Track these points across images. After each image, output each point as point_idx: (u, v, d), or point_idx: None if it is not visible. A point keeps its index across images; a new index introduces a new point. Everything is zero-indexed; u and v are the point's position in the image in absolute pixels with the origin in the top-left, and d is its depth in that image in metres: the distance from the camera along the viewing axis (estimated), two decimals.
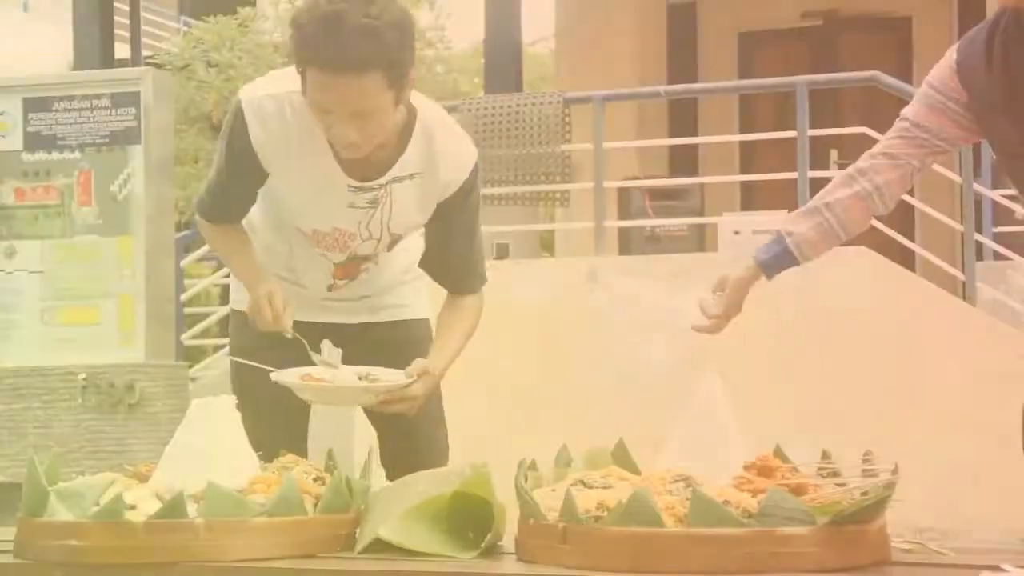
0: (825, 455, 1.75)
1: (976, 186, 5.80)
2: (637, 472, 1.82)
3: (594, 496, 1.66)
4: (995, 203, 6.21)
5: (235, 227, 2.55)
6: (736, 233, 6.00)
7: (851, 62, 8.46)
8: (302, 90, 2.26)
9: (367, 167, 2.37)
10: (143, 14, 11.14)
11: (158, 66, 9.52)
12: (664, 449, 1.80)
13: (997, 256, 6.09)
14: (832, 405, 5.28)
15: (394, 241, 2.51)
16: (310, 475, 1.91)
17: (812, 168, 5.83)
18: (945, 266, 5.70)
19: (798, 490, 1.58)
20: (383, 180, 2.39)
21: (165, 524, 1.71)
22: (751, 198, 8.96)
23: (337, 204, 2.41)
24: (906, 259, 6.26)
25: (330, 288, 2.60)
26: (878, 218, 6.16)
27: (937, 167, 5.88)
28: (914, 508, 1.66)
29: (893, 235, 5.70)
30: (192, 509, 1.73)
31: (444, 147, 2.41)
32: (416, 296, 2.73)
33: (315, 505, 1.81)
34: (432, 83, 11.47)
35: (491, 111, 6.33)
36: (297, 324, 2.41)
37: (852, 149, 8.17)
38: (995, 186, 6.44)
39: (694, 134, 8.83)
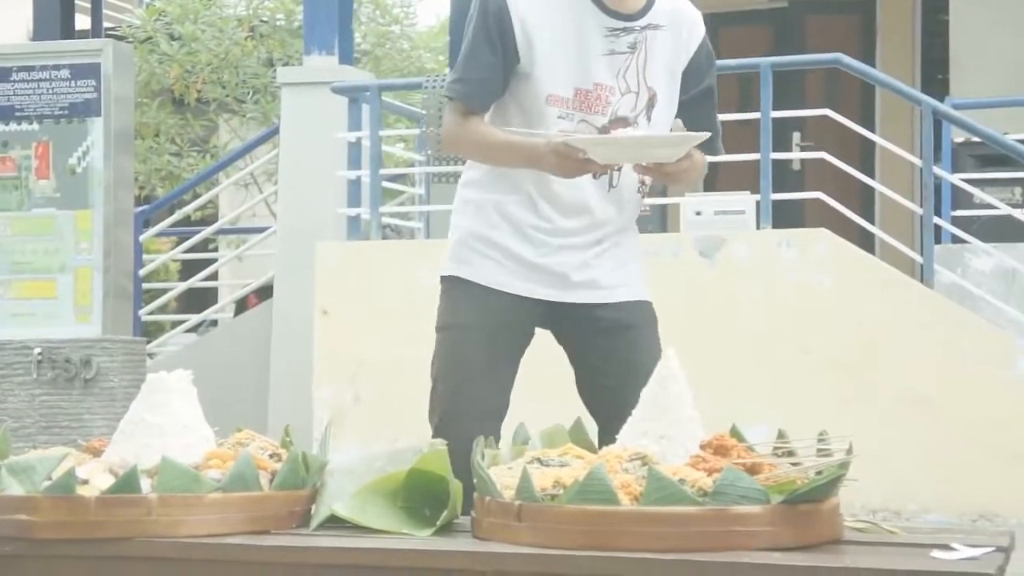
0: (781, 435, 1.75)
1: (936, 169, 5.84)
2: (594, 450, 1.82)
3: (550, 474, 1.66)
4: (954, 187, 6.26)
5: (485, 123, 2.51)
6: (698, 214, 6.01)
7: (815, 44, 8.49)
8: None
9: (623, 6, 2.46)
10: None
11: (119, 38, 9.42)
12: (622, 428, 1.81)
13: (955, 239, 6.14)
14: (791, 385, 5.32)
15: (651, 101, 2.51)
16: (266, 451, 1.90)
17: (775, 150, 5.84)
18: (904, 249, 5.73)
19: (753, 469, 1.59)
20: (641, 23, 2.48)
21: (118, 499, 1.69)
22: (714, 179, 8.96)
23: (597, 52, 2.46)
24: (866, 241, 6.30)
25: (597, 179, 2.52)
26: (838, 200, 6.19)
27: (898, 150, 5.94)
28: (869, 489, 1.68)
29: (853, 217, 5.73)
30: (146, 484, 1.72)
31: (681, 7, 2.56)
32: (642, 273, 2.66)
33: (271, 481, 1.80)
34: (397, 60, 11.39)
35: None
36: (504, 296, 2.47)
37: (815, 131, 8.25)
38: (955, 170, 6.49)
39: None
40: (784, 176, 7.24)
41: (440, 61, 11.60)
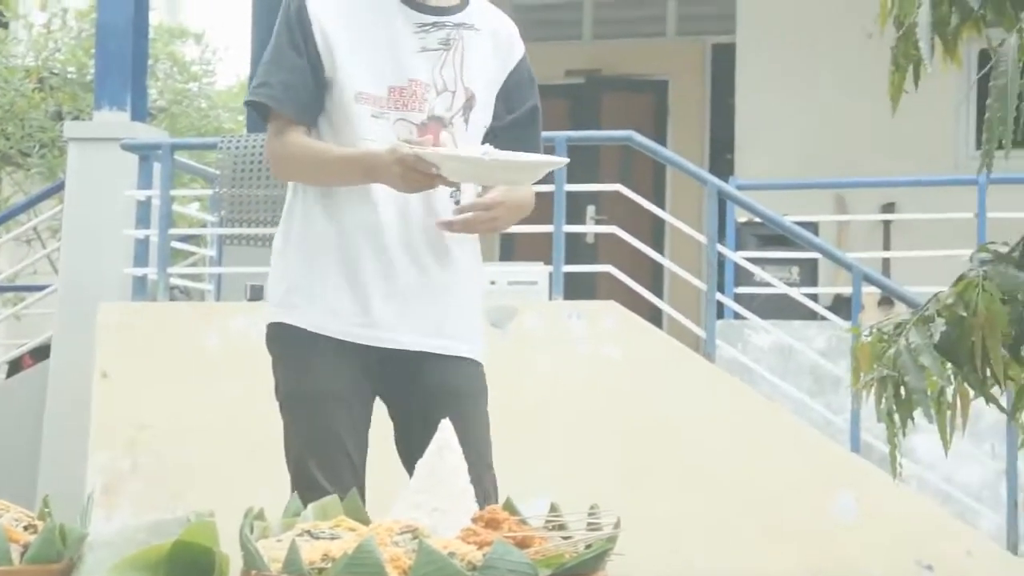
0: (553, 508, 1.76)
1: (720, 248, 6.04)
2: (368, 523, 1.79)
3: (320, 547, 1.62)
4: (737, 265, 6.49)
5: (307, 138, 2.40)
6: (492, 283, 6.06)
7: (610, 121, 8.73)
8: None
9: (434, 1, 2.41)
10: None
11: None
12: (396, 500, 1.78)
13: (737, 316, 6.36)
14: (577, 456, 5.38)
15: (469, 102, 2.42)
16: (21, 522, 1.80)
17: (570, 222, 5.96)
18: (689, 324, 5.90)
19: (524, 543, 1.58)
20: (454, 20, 2.41)
21: None
22: (511, 249, 9.10)
23: (410, 49, 2.38)
24: (655, 315, 6.46)
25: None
26: (629, 274, 6.30)
27: (685, 227, 6.13)
28: (650, 557, 1.69)
29: (641, 291, 5.88)
30: None
31: (500, 18, 2.52)
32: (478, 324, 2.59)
33: (23, 555, 1.70)
34: (195, 118, 11.19)
35: (252, 150, 6.21)
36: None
37: (609, 205, 8.45)
38: (738, 248, 6.74)
39: None
40: (578, 249, 7.39)
41: (239, 121, 11.45)
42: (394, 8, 2.41)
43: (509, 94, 2.52)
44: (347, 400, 2.44)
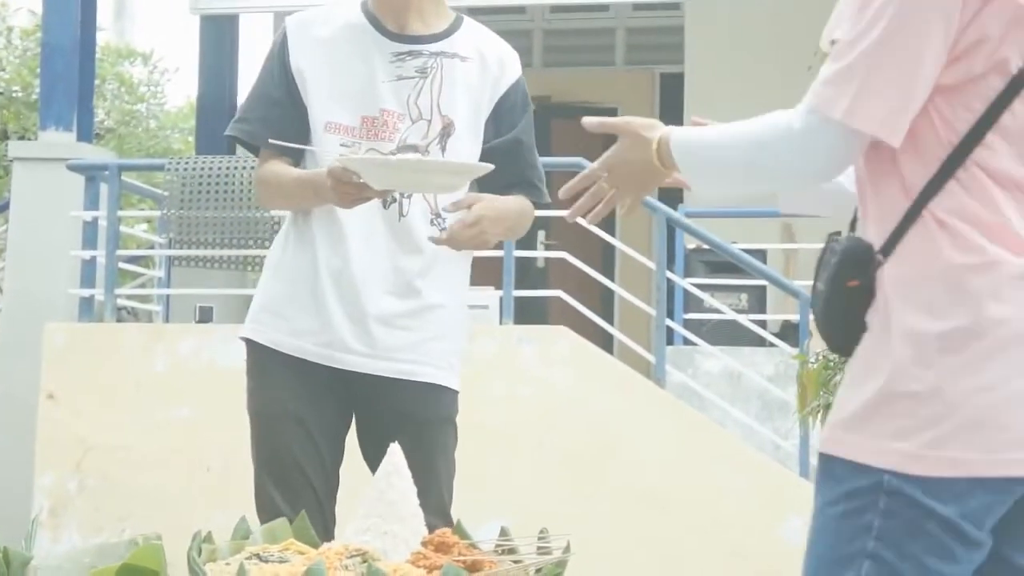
0: (503, 532, 1.76)
1: (669, 274, 6.08)
2: (317, 546, 1.78)
3: (269, 570, 1.61)
4: (686, 291, 6.53)
5: (279, 164, 2.43)
6: None
7: (560, 147, 8.77)
8: None
9: (407, 28, 2.42)
10: None
11: None
12: (347, 522, 1.78)
13: (686, 342, 6.39)
14: (529, 480, 5.38)
15: (446, 130, 2.41)
16: None
17: (520, 247, 5.97)
18: (639, 349, 5.93)
19: (474, 567, 1.59)
20: (434, 48, 2.41)
21: None
22: None
23: (383, 78, 2.39)
24: (605, 340, 6.48)
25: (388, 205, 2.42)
26: (579, 299, 6.31)
27: (635, 254, 6.16)
28: None
29: (592, 317, 5.90)
30: None
31: (493, 44, 2.50)
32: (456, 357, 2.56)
33: None
34: (143, 138, 11.13)
35: (201, 171, 6.18)
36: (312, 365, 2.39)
37: (559, 231, 8.47)
38: (687, 275, 6.79)
39: None
40: (529, 273, 7.40)
41: (188, 142, 11.39)
42: (371, 38, 2.44)
43: (499, 119, 2.52)
44: (306, 420, 2.45)
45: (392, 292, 2.44)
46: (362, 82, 2.42)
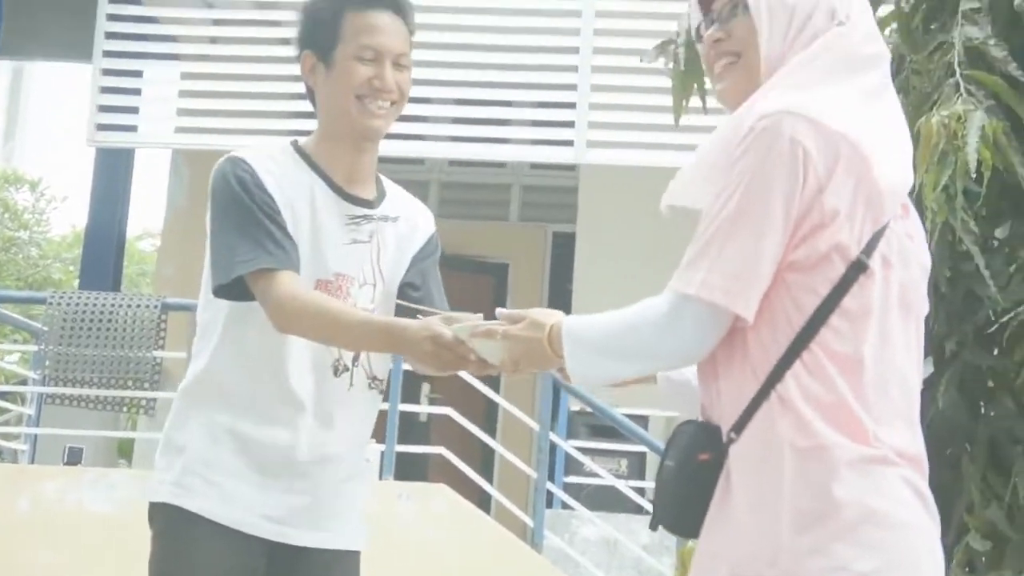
0: None
1: (551, 436, 6.09)
2: None
3: None
4: (567, 454, 6.53)
5: (319, 293, 2.33)
6: None
7: (452, 300, 8.80)
8: (332, 55, 2.34)
9: (362, 192, 2.40)
10: None
11: None
12: None
13: (565, 505, 6.37)
14: None
15: (385, 294, 2.42)
16: None
17: (404, 401, 5.94)
18: (517, 511, 5.89)
19: None
20: (378, 212, 2.41)
21: None
22: None
23: (340, 241, 2.37)
24: (485, 500, 6.43)
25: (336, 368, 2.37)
26: (461, 457, 6.27)
27: (518, 413, 6.16)
28: None
29: (472, 475, 5.86)
30: None
31: (411, 203, 2.53)
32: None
33: None
34: (23, 267, 10.89)
35: (83, 307, 6.06)
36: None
37: (444, 386, 8.45)
38: (569, 437, 6.80)
39: None
40: (412, 427, 7.34)
41: (70, 272, 11.19)
42: (330, 200, 2.39)
43: (417, 259, 2.51)
44: None
45: (322, 465, 2.45)
46: (318, 244, 2.36)
